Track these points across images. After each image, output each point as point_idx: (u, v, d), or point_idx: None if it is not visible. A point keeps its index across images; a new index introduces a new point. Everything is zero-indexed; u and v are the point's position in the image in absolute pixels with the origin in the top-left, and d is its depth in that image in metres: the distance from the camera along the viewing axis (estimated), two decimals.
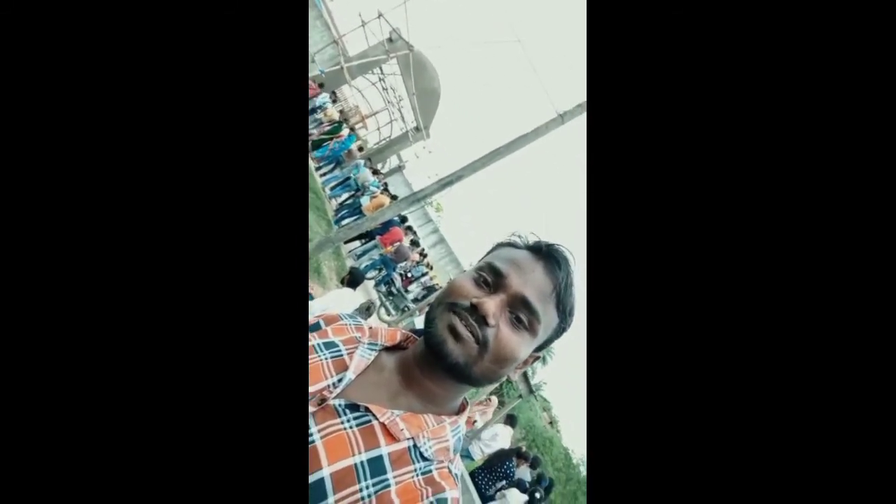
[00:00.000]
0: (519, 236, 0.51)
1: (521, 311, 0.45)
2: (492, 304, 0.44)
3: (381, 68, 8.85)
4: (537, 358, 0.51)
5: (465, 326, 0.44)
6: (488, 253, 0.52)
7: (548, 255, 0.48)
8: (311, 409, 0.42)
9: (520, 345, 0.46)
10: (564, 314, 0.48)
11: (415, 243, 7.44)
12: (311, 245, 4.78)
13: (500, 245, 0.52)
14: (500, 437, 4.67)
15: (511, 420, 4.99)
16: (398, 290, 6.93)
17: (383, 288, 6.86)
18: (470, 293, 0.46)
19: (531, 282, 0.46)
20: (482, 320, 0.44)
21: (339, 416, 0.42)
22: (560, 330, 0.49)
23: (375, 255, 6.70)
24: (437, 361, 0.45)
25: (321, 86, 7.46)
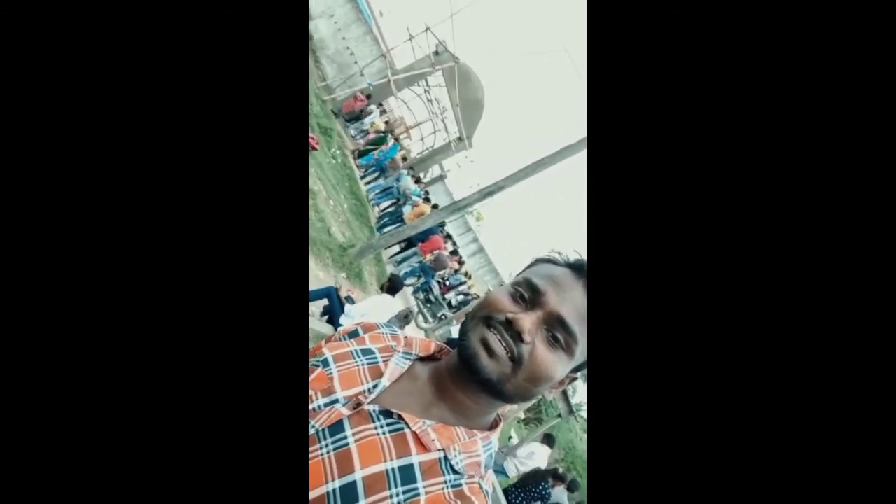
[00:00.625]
0: (559, 253, 0.50)
1: (557, 331, 0.44)
2: (528, 321, 0.43)
3: (426, 80, 9.08)
4: (574, 379, 0.48)
5: (499, 341, 0.43)
6: (527, 268, 0.51)
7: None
8: (347, 412, 0.42)
9: (555, 364, 0.44)
10: None
11: (454, 252, 7.47)
12: (353, 251, 4.94)
13: (540, 261, 0.50)
14: (537, 456, 4.51)
15: (549, 440, 4.81)
16: (436, 298, 6.97)
17: (421, 295, 6.94)
18: (506, 308, 0.45)
19: (570, 301, 0.44)
20: (517, 336, 0.43)
21: (373, 422, 0.42)
22: None
23: (415, 262, 6.80)
24: (470, 376, 0.44)
25: (369, 97, 7.77)
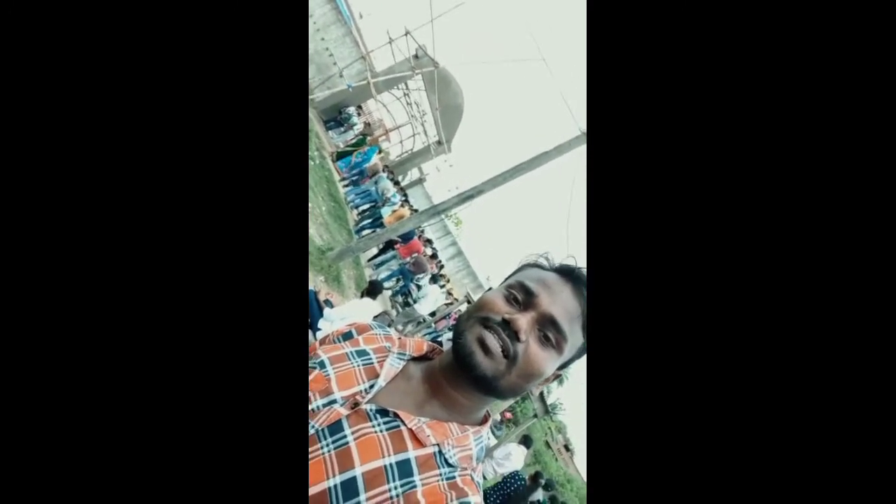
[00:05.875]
0: (546, 258, 0.53)
1: (549, 330, 0.47)
2: (524, 321, 0.46)
3: (406, 84, 9.08)
4: (559, 376, 0.52)
5: (495, 340, 0.46)
6: (516, 272, 0.54)
7: (576, 278, 0.50)
8: (345, 412, 0.44)
9: (546, 361, 0.47)
10: None
11: (434, 256, 7.47)
12: (332, 254, 4.88)
13: (528, 266, 0.54)
14: (514, 457, 4.55)
15: (526, 440, 4.87)
16: (415, 301, 6.94)
17: (400, 298, 6.90)
18: (501, 309, 0.48)
19: (560, 302, 0.48)
20: (514, 336, 0.46)
21: (371, 420, 0.44)
22: (584, 350, 0.50)
23: (394, 265, 6.76)
24: (465, 373, 0.46)
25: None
